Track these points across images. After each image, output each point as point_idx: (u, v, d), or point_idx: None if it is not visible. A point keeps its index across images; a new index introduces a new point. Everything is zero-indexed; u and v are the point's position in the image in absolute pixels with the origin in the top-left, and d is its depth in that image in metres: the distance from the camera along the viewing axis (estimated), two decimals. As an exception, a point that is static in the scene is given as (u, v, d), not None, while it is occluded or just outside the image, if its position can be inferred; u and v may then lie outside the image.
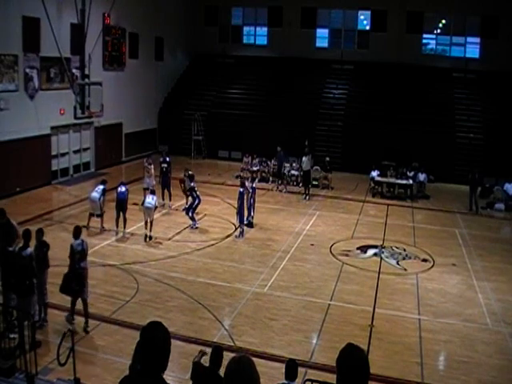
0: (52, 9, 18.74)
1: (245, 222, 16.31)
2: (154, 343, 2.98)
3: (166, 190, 18.57)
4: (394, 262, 14.55)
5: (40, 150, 20.10)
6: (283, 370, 6.36)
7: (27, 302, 8.66)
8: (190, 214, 16.42)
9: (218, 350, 6.14)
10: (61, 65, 19.95)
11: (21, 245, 9.17)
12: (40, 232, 9.81)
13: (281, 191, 22.13)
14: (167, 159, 19.00)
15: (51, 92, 20.43)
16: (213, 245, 15.05)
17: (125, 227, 15.56)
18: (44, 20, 18.25)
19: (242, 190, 16.14)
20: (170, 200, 18.60)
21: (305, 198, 21.05)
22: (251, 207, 16.90)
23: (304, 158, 21.41)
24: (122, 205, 15.52)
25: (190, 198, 16.96)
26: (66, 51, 20.19)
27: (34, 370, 7.32)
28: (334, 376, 2.94)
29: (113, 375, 7.89)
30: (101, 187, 15.63)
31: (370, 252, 15.20)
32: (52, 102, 20.32)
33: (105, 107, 20.89)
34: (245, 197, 16.30)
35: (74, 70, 20.68)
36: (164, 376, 3.02)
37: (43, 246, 9.70)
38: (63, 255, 12.74)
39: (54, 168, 21.29)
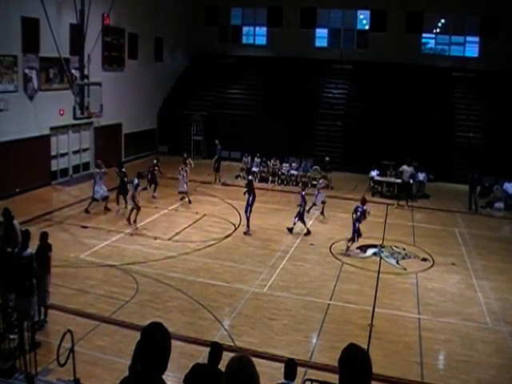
0: (51, 9, 18.71)
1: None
2: (154, 344, 2.98)
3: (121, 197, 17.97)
4: (393, 261, 14.55)
5: (39, 151, 20.09)
6: (283, 370, 6.37)
7: (27, 303, 8.65)
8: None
9: (215, 348, 6.06)
10: (60, 65, 19.94)
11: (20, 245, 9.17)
12: (44, 235, 9.82)
13: (217, 184, 22.46)
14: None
15: (50, 92, 20.40)
16: (212, 245, 15.06)
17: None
18: (43, 20, 18.26)
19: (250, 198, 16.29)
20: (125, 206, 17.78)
21: (397, 205, 20.55)
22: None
23: (409, 169, 20.97)
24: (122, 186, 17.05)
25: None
26: (66, 52, 20.17)
27: (34, 370, 7.31)
28: (334, 376, 2.96)
29: (112, 376, 7.89)
30: (102, 171, 17.39)
31: (370, 251, 15.22)
32: (51, 102, 20.29)
33: (104, 108, 20.87)
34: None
35: (73, 71, 20.70)
36: (164, 376, 3.03)
37: (47, 249, 9.69)
38: (63, 256, 12.87)
39: (53, 168, 21.27)
